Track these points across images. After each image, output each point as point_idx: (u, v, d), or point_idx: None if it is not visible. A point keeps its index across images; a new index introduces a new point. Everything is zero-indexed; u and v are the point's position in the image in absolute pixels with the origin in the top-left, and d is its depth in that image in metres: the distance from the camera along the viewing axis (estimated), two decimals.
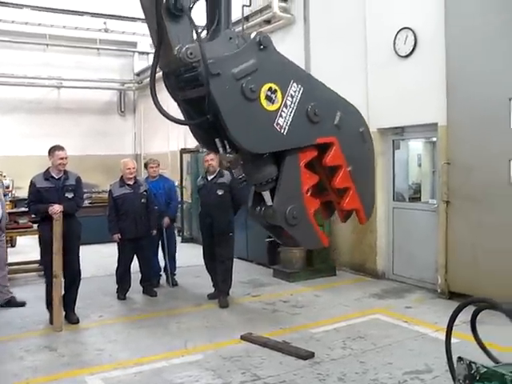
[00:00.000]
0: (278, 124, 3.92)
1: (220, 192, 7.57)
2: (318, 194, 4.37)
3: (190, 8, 3.79)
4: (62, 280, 6.57)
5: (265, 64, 3.86)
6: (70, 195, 6.67)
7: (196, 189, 8.98)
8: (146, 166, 9.19)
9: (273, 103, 3.91)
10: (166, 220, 8.49)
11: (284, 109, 3.94)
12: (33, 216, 7.95)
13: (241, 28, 11.47)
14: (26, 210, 7.99)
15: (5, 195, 10.06)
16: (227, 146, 3.98)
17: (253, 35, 4.00)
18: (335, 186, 4.24)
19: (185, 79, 3.84)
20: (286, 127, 3.95)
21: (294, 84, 3.99)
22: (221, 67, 3.66)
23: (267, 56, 3.87)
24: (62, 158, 6.65)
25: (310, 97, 4.05)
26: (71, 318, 6.72)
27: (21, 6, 15.82)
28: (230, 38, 3.86)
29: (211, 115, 3.82)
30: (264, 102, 3.89)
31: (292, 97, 3.98)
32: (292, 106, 3.98)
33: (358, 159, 4.34)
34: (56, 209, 6.39)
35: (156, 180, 8.78)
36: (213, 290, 7.80)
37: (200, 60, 3.61)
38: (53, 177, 6.65)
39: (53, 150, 6.70)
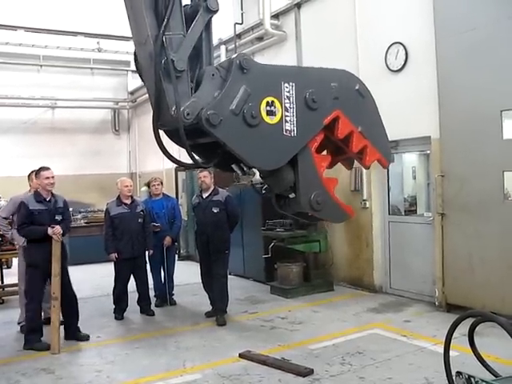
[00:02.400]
0: (286, 131, 4.10)
1: (215, 210, 7.54)
2: (337, 155, 4.69)
3: (186, 71, 3.88)
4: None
5: (254, 84, 3.96)
6: (59, 218, 6.63)
7: (191, 206, 8.95)
8: (148, 184, 9.20)
9: (275, 115, 4.06)
10: (168, 239, 8.46)
11: (286, 113, 4.10)
12: (20, 240, 6.94)
13: (233, 45, 11.59)
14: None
15: None
16: (245, 168, 4.13)
17: (233, 56, 4.10)
18: (353, 151, 4.51)
19: (189, 130, 3.89)
20: (295, 128, 4.13)
21: (286, 85, 4.12)
22: (220, 113, 3.77)
23: (253, 76, 3.98)
24: (48, 178, 6.55)
25: (303, 87, 4.18)
26: (81, 336, 6.77)
27: (15, 28, 15.98)
28: (213, 75, 3.94)
29: (224, 150, 3.95)
30: (267, 119, 4.01)
31: (288, 98, 4.12)
32: (292, 106, 4.14)
33: (364, 115, 4.57)
34: (58, 230, 6.39)
35: (159, 199, 8.78)
36: (210, 308, 7.75)
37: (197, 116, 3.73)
38: (45, 199, 6.58)
39: (39, 171, 6.65)
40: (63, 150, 17.51)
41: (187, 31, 3.98)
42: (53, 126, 18.12)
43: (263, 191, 4.71)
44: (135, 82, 18.65)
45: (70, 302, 6.72)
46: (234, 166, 4.26)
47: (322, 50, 9.57)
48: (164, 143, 3.98)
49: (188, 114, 3.74)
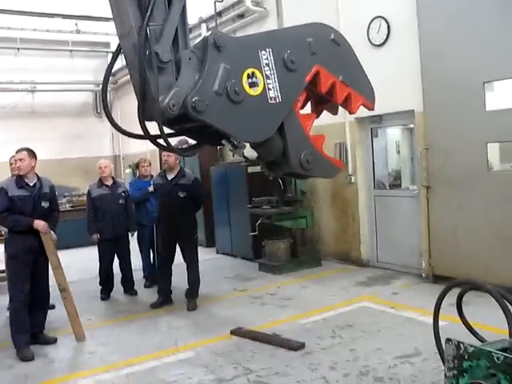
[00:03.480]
0: (271, 98, 4.13)
1: (182, 194, 7.15)
2: (321, 104, 4.77)
3: (171, 60, 3.86)
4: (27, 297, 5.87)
5: (232, 59, 3.96)
6: (45, 204, 6.04)
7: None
8: (137, 165, 9.14)
9: (258, 85, 4.07)
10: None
11: (268, 81, 4.12)
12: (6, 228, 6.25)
13: (214, 24, 11.48)
14: None
15: None
16: (235, 142, 4.14)
17: (204, 35, 4.10)
18: (338, 101, 4.57)
19: (176, 117, 3.87)
20: (278, 94, 4.16)
21: (262, 52, 4.14)
22: (204, 98, 3.75)
23: (229, 51, 3.97)
24: (15, 161, 5.99)
25: (279, 51, 4.20)
26: (48, 339, 6.14)
27: None
28: (190, 58, 3.91)
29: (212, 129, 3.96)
30: (251, 91, 4.02)
31: (267, 65, 4.14)
32: (272, 72, 4.16)
33: (343, 63, 4.60)
34: (42, 225, 5.84)
35: (148, 180, 8.70)
36: (157, 297, 7.50)
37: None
38: (28, 184, 5.94)
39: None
40: (45, 135, 17.27)
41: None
42: (33, 110, 17.87)
43: (267, 173, 4.78)
44: (116, 63, 18.41)
45: (42, 297, 6.14)
46: (224, 141, 4.25)
47: None
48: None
49: (173, 105, 3.72)
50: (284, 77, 4.17)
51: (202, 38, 4.17)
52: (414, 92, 7.51)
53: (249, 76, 4.01)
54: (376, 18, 8.05)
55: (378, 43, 8.10)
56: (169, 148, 4.24)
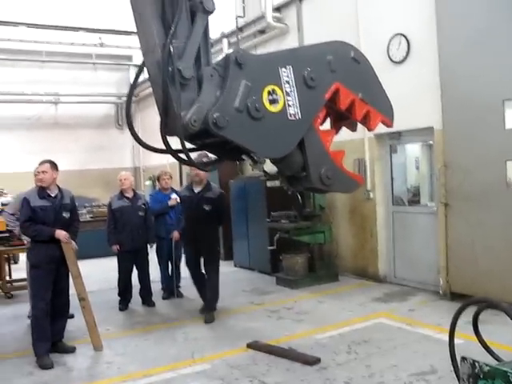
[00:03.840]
0: (291, 115, 4.18)
1: (207, 207, 7.25)
2: (340, 120, 4.83)
3: (193, 77, 3.94)
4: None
5: (253, 76, 4.02)
6: (66, 215, 6.18)
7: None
8: (158, 178, 9.25)
9: (278, 102, 4.13)
10: (176, 234, 8.41)
11: (288, 98, 4.17)
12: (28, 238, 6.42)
13: (236, 39, 11.63)
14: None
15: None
16: (255, 157, 4.23)
17: (227, 51, 4.20)
18: (357, 118, 4.63)
19: (197, 133, 3.95)
20: (298, 110, 4.22)
21: (283, 69, 4.20)
22: (225, 114, 3.82)
23: (250, 68, 4.04)
24: (38, 173, 6.11)
25: (300, 68, 4.25)
26: (67, 348, 6.23)
27: (16, 24, 15.99)
28: (211, 75, 3.99)
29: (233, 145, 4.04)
30: (271, 108, 4.09)
31: (288, 82, 4.19)
32: (292, 89, 4.21)
33: (362, 81, 4.66)
34: (63, 234, 5.96)
35: (168, 193, 8.80)
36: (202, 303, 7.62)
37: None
38: (49, 195, 6.09)
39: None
40: (67, 146, 17.60)
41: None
42: (56, 121, 18.21)
43: (275, 174, 4.85)
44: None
45: (62, 307, 6.23)
46: (244, 156, 4.33)
47: None
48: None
49: (195, 121, 3.80)
50: (304, 94, 4.24)
51: (223, 55, 4.26)
52: (434, 109, 7.53)
53: (269, 93, 4.09)
54: (396, 35, 8.11)
55: (397, 60, 8.15)
56: (190, 162, 4.33)
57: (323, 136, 4.51)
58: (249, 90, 3.98)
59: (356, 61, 4.65)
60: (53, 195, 6.13)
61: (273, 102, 4.10)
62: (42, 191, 6.08)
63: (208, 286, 7.43)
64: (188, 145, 4.23)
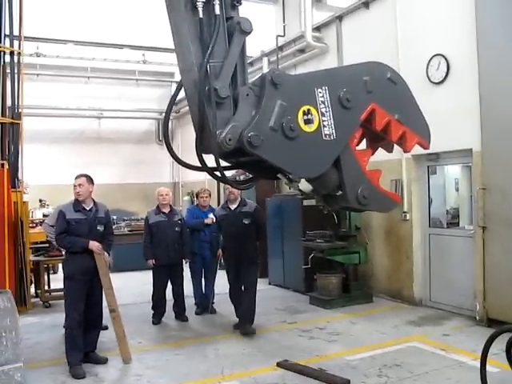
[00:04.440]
0: (326, 135, 4.21)
1: (246, 221, 7.51)
2: (377, 141, 4.83)
3: (229, 96, 4.03)
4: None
5: (288, 96, 4.07)
6: (101, 228, 6.31)
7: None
8: (197, 195, 9.36)
9: (313, 122, 4.17)
10: (220, 252, 8.35)
11: (323, 118, 4.20)
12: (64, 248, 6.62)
13: (276, 57, 11.73)
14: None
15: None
16: (290, 176, 4.27)
17: (264, 70, 4.27)
18: (393, 139, 4.63)
19: (232, 151, 4.02)
20: (333, 131, 4.24)
21: (319, 90, 4.22)
22: (259, 133, 3.89)
23: (286, 89, 4.09)
24: (75, 186, 6.19)
25: (335, 89, 4.29)
26: (99, 359, 6.32)
27: (65, 42, 16.56)
28: (247, 95, 4.06)
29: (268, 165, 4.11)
30: (306, 128, 4.13)
31: (323, 102, 4.21)
32: (327, 109, 4.23)
33: (399, 102, 4.65)
34: (96, 245, 6.09)
35: (206, 210, 8.89)
36: (237, 319, 7.73)
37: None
38: (84, 208, 6.23)
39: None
40: (108, 159, 18.01)
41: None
42: (99, 135, 18.64)
43: (323, 206, 4.88)
44: (180, 93, 19.03)
45: (96, 318, 6.36)
46: (279, 175, 4.37)
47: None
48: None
49: (230, 140, 3.87)
50: (339, 114, 4.26)
51: (260, 75, 4.32)
52: (472, 130, 7.42)
53: (304, 113, 4.12)
54: (435, 55, 8.04)
55: (436, 81, 8.08)
56: (224, 180, 4.39)
57: (359, 156, 4.51)
58: (284, 109, 4.02)
59: (392, 81, 4.65)
60: (88, 208, 6.27)
61: (308, 122, 4.13)
62: (77, 204, 6.24)
63: (246, 298, 7.49)
64: (223, 163, 4.30)
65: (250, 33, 4.24)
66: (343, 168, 4.36)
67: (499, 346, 3.62)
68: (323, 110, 4.21)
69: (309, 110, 4.15)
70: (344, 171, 4.36)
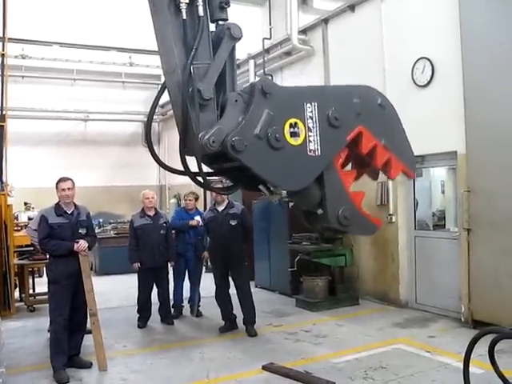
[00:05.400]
0: (310, 150, 4.18)
1: (233, 223, 7.60)
2: (362, 167, 4.79)
3: (212, 98, 4.02)
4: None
5: (277, 107, 4.06)
6: (83, 231, 6.26)
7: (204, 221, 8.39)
8: (185, 197, 9.32)
9: (299, 136, 4.14)
10: (206, 254, 8.39)
11: (310, 133, 4.18)
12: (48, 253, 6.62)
13: (262, 60, 11.73)
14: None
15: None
16: (271, 188, 4.25)
17: (255, 79, 4.26)
18: (377, 164, 4.59)
19: (215, 155, 4.02)
20: (319, 148, 4.21)
21: (308, 105, 4.20)
22: (244, 138, 3.87)
23: (275, 99, 4.07)
24: (63, 190, 6.14)
25: (325, 106, 4.27)
26: (84, 363, 6.26)
27: (50, 44, 16.44)
28: (236, 101, 4.05)
29: (250, 173, 4.06)
30: (292, 141, 4.11)
31: (311, 118, 4.19)
32: (315, 125, 4.21)
33: (386, 128, 4.65)
34: (83, 245, 6.07)
35: (192, 213, 8.86)
36: (223, 322, 7.80)
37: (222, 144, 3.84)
38: (66, 212, 6.19)
39: (57, 182, 6.25)
40: (94, 162, 17.87)
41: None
42: (85, 138, 18.49)
43: (292, 207, 4.83)
44: (165, 95, 18.92)
45: (81, 320, 6.31)
46: (260, 186, 4.36)
47: (349, 65, 9.63)
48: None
49: (213, 142, 3.85)
50: (326, 132, 4.24)
51: (250, 83, 4.32)
52: (458, 133, 7.46)
53: (291, 125, 4.11)
54: (420, 58, 8.08)
55: (422, 84, 8.11)
56: (205, 185, 4.36)
57: (344, 176, 4.48)
58: (271, 118, 4.00)
59: (382, 107, 4.66)
60: (69, 212, 6.23)
61: (294, 134, 4.11)
62: (58, 208, 6.21)
63: (244, 301, 7.57)
64: (206, 169, 4.28)
65: (239, 39, 4.25)
66: (326, 185, 4.32)
67: (485, 347, 3.63)
68: (310, 125, 4.19)
69: (296, 123, 4.13)
70: (327, 189, 4.32)
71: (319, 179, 4.31)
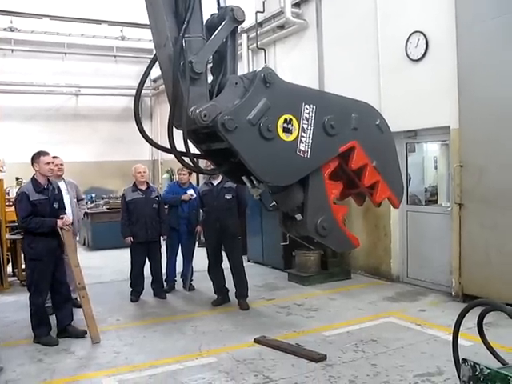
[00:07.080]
0: (300, 150, 4.13)
1: (228, 196, 7.62)
2: (349, 188, 4.68)
3: (205, 72, 3.97)
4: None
5: (275, 99, 4.03)
6: (56, 205, 6.24)
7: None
8: (178, 172, 9.30)
9: (291, 133, 4.11)
10: (199, 228, 8.47)
11: (303, 133, 4.14)
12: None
13: (255, 34, 11.60)
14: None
15: None
16: (255, 181, 4.21)
17: (258, 68, 4.21)
18: (364, 184, 4.54)
19: (204, 134, 3.99)
20: (309, 150, 4.17)
21: (306, 106, 4.16)
22: (236, 120, 3.83)
23: (275, 90, 4.05)
24: (48, 163, 6.12)
25: (323, 112, 4.23)
26: (78, 332, 6.34)
27: (40, 16, 16.17)
28: (236, 83, 4.02)
29: (236, 160, 4.04)
30: (283, 136, 4.07)
31: (307, 119, 4.15)
32: (309, 127, 4.17)
33: (380, 151, 4.61)
34: (68, 220, 6.16)
35: (186, 187, 8.84)
36: (216, 296, 7.88)
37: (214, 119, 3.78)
38: (45, 188, 6.14)
39: (37, 156, 6.16)
40: (86, 137, 17.76)
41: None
42: (76, 112, 18.33)
43: (270, 207, 4.75)
44: (157, 69, 18.74)
45: (67, 293, 6.45)
46: (244, 178, 4.33)
47: (343, 39, 9.56)
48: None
49: (205, 116, 3.81)
50: (319, 137, 4.19)
51: (253, 70, 4.26)
52: (451, 108, 7.43)
53: (285, 121, 4.07)
54: (414, 32, 8.00)
55: (415, 58, 8.05)
56: (189, 166, 4.31)
57: (329, 186, 4.41)
58: (267, 108, 3.97)
59: (380, 129, 4.62)
60: (45, 187, 6.18)
61: (286, 130, 4.08)
62: (37, 185, 6.11)
63: (236, 274, 7.64)
64: (194, 150, 4.25)
65: (241, 22, 4.21)
66: (310, 191, 4.26)
67: (473, 320, 3.66)
68: (305, 126, 4.14)
69: (291, 119, 4.09)
70: (310, 194, 4.26)
71: (304, 183, 4.26)
